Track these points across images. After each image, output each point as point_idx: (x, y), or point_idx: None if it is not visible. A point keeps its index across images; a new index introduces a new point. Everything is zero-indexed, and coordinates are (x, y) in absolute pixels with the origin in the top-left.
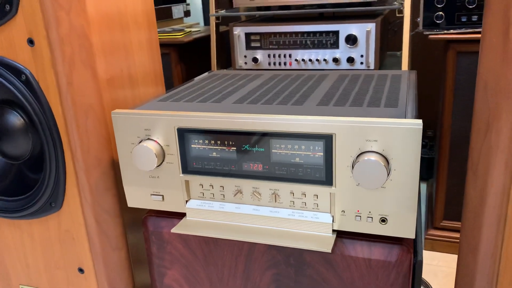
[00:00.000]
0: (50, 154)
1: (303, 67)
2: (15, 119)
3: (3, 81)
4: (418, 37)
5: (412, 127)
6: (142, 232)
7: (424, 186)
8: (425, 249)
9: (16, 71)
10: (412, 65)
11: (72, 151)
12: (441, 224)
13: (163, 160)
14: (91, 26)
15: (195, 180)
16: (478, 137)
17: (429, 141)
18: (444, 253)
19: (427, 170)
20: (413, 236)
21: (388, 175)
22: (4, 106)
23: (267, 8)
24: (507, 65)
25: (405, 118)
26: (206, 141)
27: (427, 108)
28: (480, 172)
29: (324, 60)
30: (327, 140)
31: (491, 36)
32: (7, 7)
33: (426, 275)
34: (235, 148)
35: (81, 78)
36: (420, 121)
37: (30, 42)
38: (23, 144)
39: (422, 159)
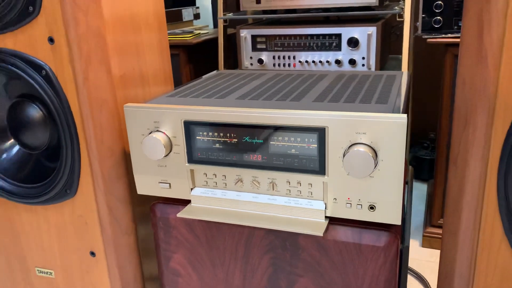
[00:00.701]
0: (67, 144)
1: (307, 69)
2: (35, 112)
3: (25, 76)
4: (420, 41)
5: (397, 120)
6: (147, 226)
7: (425, 186)
8: (423, 246)
9: (37, 67)
10: (415, 68)
11: (87, 142)
12: (439, 222)
13: (170, 151)
14: (106, 27)
15: (200, 169)
16: (458, 131)
17: (430, 143)
18: None
19: (429, 171)
20: (399, 223)
21: (375, 165)
22: (24, 99)
23: (273, 11)
24: (481, 65)
25: (392, 113)
26: (210, 133)
27: (429, 111)
28: (459, 162)
29: (327, 61)
30: (321, 132)
31: (468, 38)
32: (31, 8)
33: (424, 271)
34: (236, 140)
35: (97, 75)
36: (404, 116)
37: (51, 40)
38: (41, 135)
39: (423, 160)
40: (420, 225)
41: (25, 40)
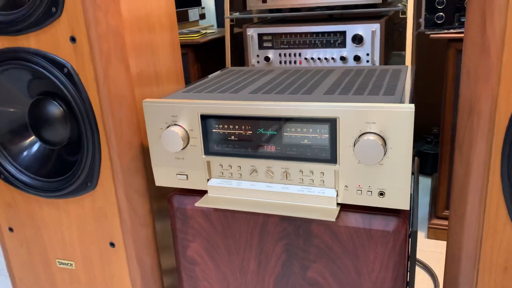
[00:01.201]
0: (88, 139)
1: (312, 65)
2: (56, 109)
3: (48, 74)
4: (424, 37)
5: (405, 110)
6: (163, 221)
7: (429, 180)
8: (428, 238)
9: (59, 65)
10: (418, 64)
11: (107, 136)
12: (443, 214)
13: (187, 143)
14: (124, 26)
15: (216, 160)
16: (463, 118)
17: (434, 138)
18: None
19: (432, 165)
20: (407, 208)
21: (385, 153)
22: (46, 97)
23: (279, 10)
24: (484, 55)
25: (399, 103)
26: (226, 126)
27: (433, 106)
28: (465, 149)
29: (332, 58)
30: (332, 123)
31: (472, 30)
32: (53, 9)
33: (430, 261)
34: (251, 132)
35: (116, 72)
36: (412, 106)
37: (72, 39)
38: (62, 131)
39: (427, 154)
40: (425, 217)
41: (47, 40)
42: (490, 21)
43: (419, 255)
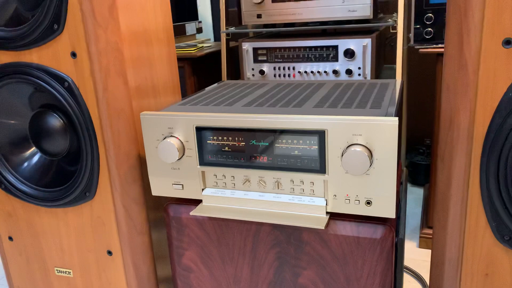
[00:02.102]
0: (87, 150)
1: (306, 79)
2: (56, 121)
3: (49, 88)
4: (416, 51)
5: (389, 123)
6: (158, 231)
7: (421, 190)
8: (419, 247)
9: (60, 79)
10: (410, 77)
11: (105, 147)
12: None
13: (183, 154)
14: (123, 41)
15: (210, 171)
16: (444, 131)
17: (426, 149)
18: None
19: (425, 176)
20: (393, 216)
21: (371, 164)
22: (46, 109)
23: (273, 25)
24: (462, 71)
25: (385, 116)
26: (220, 138)
27: (424, 118)
28: (446, 159)
29: (325, 72)
30: (321, 135)
31: (450, 48)
32: (55, 26)
33: (420, 270)
34: (244, 143)
35: (115, 85)
36: (396, 119)
37: (73, 54)
38: (62, 142)
39: (420, 165)
40: (417, 227)
41: (49, 55)
42: (466, 40)
43: (410, 264)
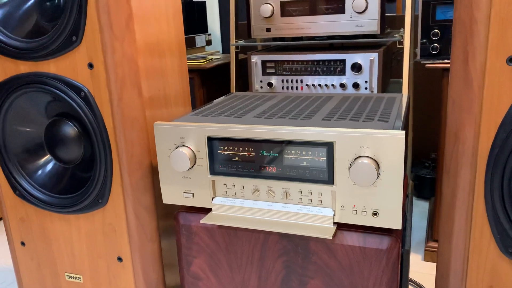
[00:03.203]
0: (101, 158)
1: (313, 92)
2: (70, 129)
3: (65, 97)
4: (422, 65)
5: (396, 136)
6: (167, 240)
7: (427, 204)
8: (425, 260)
9: (77, 89)
10: (416, 92)
11: (119, 156)
12: None
13: (194, 163)
14: (138, 53)
15: (220, 180)
16: (449, 145)
17: (432, 163)
18: None
19: (430, 189)
20: (399, 227)
21: (378, 175)
22: (61, 118)
23: (282, 39)
24: (467, 87)
25: (392, 129)
26: (230, 148)
27: (430, 132)
28: (451, 173)
29: (332, 85)
30: (329, 147)
31: (456, 64)
32: (74, 38)
33: (425, 283)
34: (254, 154)
35: (130, 96)
36: (403, 132)
37: (90, 65)
38: (76, 150)
39: (425, 179)
40: (422, 240)
41: (66, 65)
42: (472, 57)
43: (415, 277)
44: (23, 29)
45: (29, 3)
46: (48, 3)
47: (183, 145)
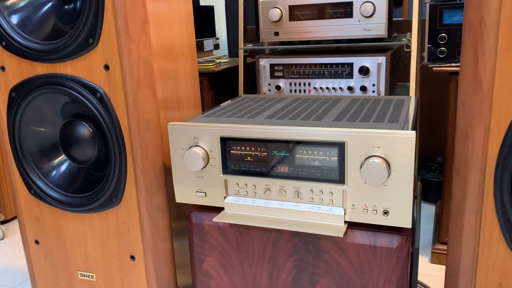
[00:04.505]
0: (115, 158)
1: (321, 94)
2: (85, 130)
3: (82, 98)
4: (428, 69)
5: (407, 136)
6: (179, 240)
7: (433, 207)
8: (432, 262)
9: (93, 90)
10: (422, 95)
11: (133, 156)
12: (446, 239)
13: (207, 163)
14: (153, 56)
15: (233, 179)
16: (459, 145)
17: (438, 166)
18: None
19: (437, 193)
20: (409, 226)
21: (388, 175)
22: (76, 118)
23: (289, 42)
24: (477, 89)
25: (402, 130)
26: (243, 148)
27: (437, 135)
28: (461, 172)
29: (340, 88)
30: (341, 147)
31: (466, 66)
32: (91, 40)
33: (433, 285)
34: (266, 154)
35: (144, 97)
36: (413, 132)
37: (106, 67)
38: (90, 150)
39: (432, 182)
40: (429, 243)
41: (83, 67)
42: (481, 59)
43: (423, 279)
44: (41, 31)
45: (47, 6)
46: (65, 6)
47: (197, 145)
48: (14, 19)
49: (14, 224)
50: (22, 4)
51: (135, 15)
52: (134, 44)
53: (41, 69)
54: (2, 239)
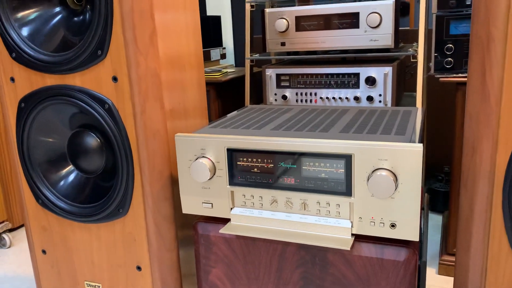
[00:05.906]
0: (123, 169)
1: (327, 104)
2: (93, 140)
3: (90, 109)
4: (435, 79)
5: (414, 149)
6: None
7: (440, 217)
8: (439, 274)
9: (101, 101)
10: (429, 106)
11: (140, 166)
12: (454, 250)
13: (214, 174)
14: (161, 67)
15: (239, 191)
16: (467, 158)
17: (445, 176)
18: None
19: (444, 203)
20: (417, 239)
21: (396, 187)
22: (84, 129)
23: (296, 52)
24: (485, 102)
25: (409, 142)
26: (249, 159)
27: (443, 145)
28: (469, 185)
29: (346, 98)
30: (347, 159)
31: (473, 79)
32: (99, 52)
33: None
34: (272, 165)
35: (152, 108)
36: (420, 145)
37: (114, 79)
38: (98, 161)
39: (438, 192)
40: (436, 254)
41: (91, 78)
42: (489, 72)
43: None
44: (51, 43)
45: (57, 18)
46: (75, 19)
47: (203, 156)
48: (25, 31)
49: (21, 232)
50: (32, 16)
51: (143, 27)
52: (142, 57)
53: (50, 80)
54: (9, 247)
